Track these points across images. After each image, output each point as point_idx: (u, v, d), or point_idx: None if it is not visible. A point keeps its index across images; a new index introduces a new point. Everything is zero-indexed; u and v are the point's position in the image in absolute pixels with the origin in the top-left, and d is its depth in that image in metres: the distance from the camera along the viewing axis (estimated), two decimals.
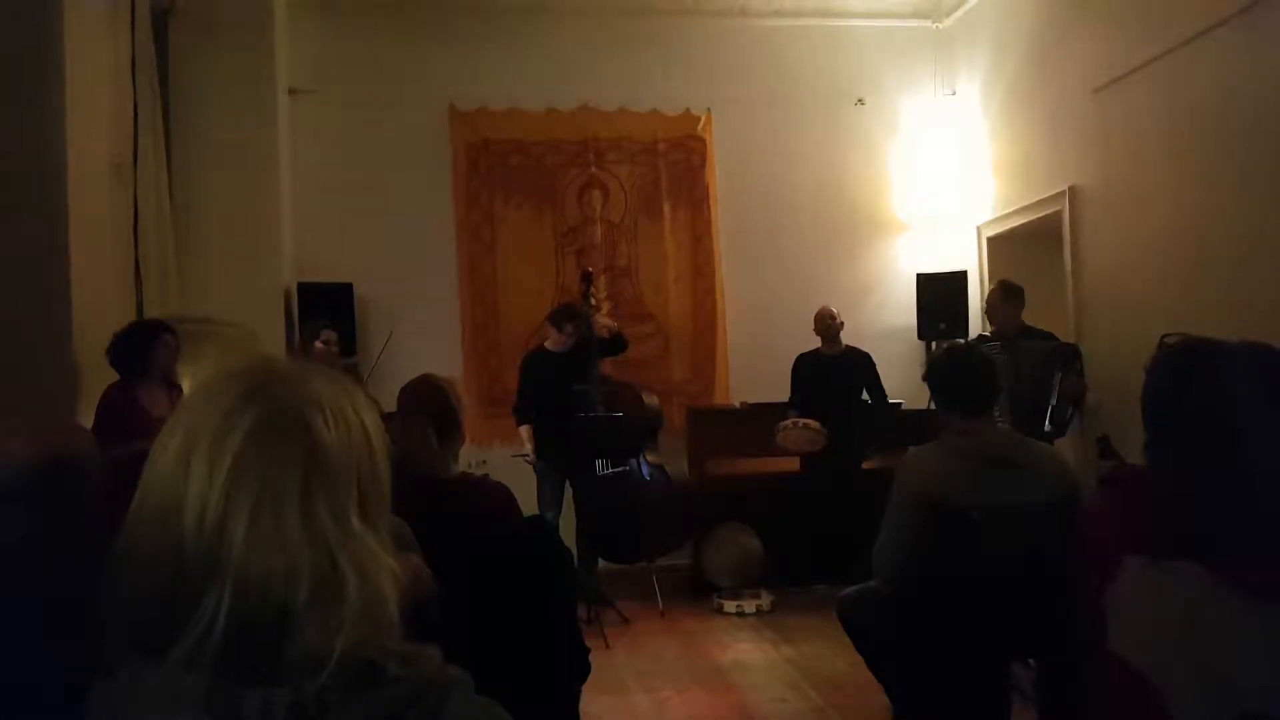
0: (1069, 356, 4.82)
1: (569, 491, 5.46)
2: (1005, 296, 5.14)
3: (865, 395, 5.70)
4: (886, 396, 5.71)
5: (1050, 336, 5.05)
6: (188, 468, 0.81)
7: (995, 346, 4.86)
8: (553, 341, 5.53)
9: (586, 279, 5.66)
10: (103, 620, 0.82)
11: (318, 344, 4.98)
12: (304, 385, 0.86)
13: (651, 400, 5.77)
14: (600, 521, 5.38)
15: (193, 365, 4.28)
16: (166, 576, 0.79)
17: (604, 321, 5.61)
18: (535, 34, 6.44)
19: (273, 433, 0.81)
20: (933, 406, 2.97)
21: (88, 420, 3.57)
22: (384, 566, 0.79)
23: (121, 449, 3.39)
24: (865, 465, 5.50)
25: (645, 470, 5.53)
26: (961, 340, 5.50)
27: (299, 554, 0.77)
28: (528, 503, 4.09)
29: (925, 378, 2.91)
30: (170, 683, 0.77)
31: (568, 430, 5.26)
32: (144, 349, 3.84)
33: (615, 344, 5.60)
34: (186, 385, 4.18)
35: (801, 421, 5.43)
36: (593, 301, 5.65)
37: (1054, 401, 4.68)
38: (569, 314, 5.53)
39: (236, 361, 0.91)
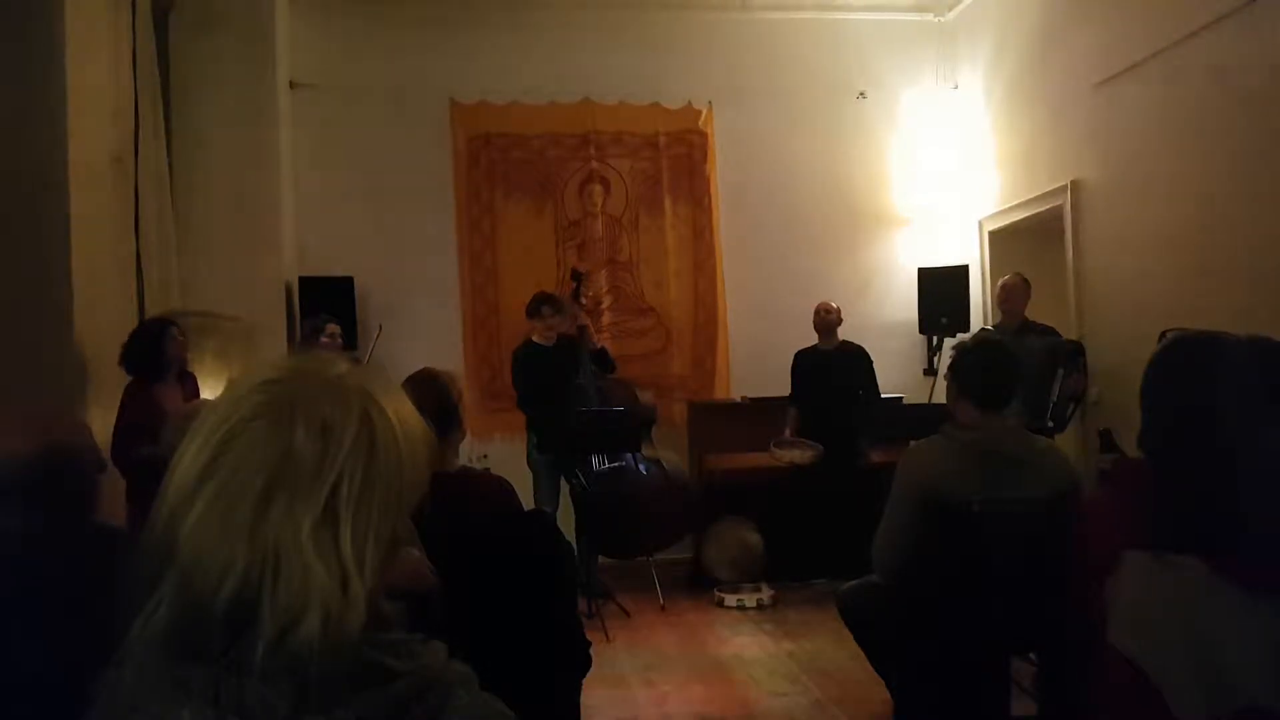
0: (1073, 354, 4.82)
1: (566, 486, 5.46)
2: (1027, 286, 5.17)
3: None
4: (879, 392, 5.72)
5: (1052, 331, 5.03)
6: (187, 447, 0.82)
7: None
8: (538, 333, 5.53)
9: (577, 278, 5.67)
10: (112, 611, 0.82)
11: (323, 339, 4.96)
12: (312, 388, 0.85)
13: (645, 396, 5.76)
14: (598, 516, 5.39)
15: (196, 359, 4.30)
16: (150, 561, 0.80)
17: (591, 331, 5.62)
18: (536, 27, 6.43)
19: (259, 428, 0.81)
20: (940, 399, 2.97)
21: (92, 415, 3.57)
22: (314, 582, 0.77)
23: (148, 449, 3.42)
24: (867, 459, 5.50)
25: (641, 465, 5.54)
26: (992, 331, 5.42)
27: (235, 550, 0.77)
28: (526, 497, 4.09)
29: (951, 364, 2.89)
30: (176, 674, 0.77)
31: (564, 424, 5.26)
32: (155, 347, 3.89)
33: (603, 361, 5.60)
34: (201, 375, 4.21)
35: (803, 441, 5.56)
36: (583, 301, 5.66)
37: (1054, 399, 4.68)
38: (541, 299, 5.53)
39: (280, 357, 0.90)
